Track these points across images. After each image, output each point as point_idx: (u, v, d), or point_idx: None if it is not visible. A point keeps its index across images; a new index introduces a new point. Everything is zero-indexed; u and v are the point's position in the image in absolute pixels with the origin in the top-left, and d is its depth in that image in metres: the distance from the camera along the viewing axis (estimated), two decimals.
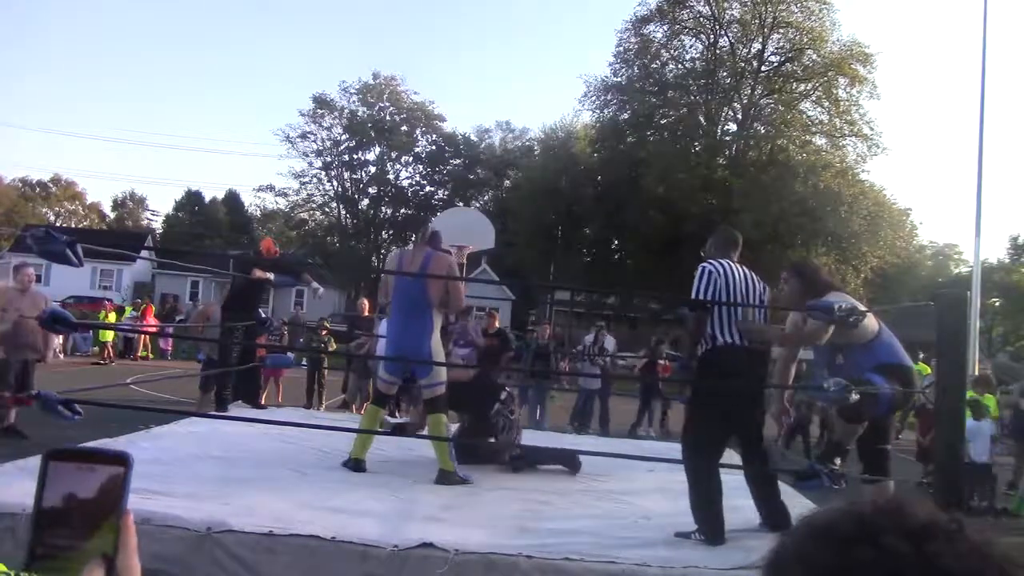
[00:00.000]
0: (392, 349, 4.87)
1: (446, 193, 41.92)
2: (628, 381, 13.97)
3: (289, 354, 10.89)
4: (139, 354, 18.70)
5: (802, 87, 30.32)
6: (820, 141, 30.70)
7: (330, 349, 11.53)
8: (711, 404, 3.84)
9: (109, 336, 17.32)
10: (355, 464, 4.60)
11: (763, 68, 30.46)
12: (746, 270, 3.93)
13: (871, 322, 3.87)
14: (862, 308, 3.71)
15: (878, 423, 3.85)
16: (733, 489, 4.86)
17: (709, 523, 3.59)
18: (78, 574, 0.61)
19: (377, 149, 40.95)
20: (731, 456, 6.11)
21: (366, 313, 11.50)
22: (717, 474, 3.75)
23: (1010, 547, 0.61)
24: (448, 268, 4.80)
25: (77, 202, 59.36)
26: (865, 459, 3.95)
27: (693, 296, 3.80)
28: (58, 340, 7.16)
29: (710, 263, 3.86)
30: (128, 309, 18.98)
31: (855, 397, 3.35)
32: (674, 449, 5.96)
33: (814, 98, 30.28)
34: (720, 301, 3.73)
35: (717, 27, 30.31)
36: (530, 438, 6.47)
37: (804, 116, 30.63)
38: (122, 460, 0.64)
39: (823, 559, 0.59)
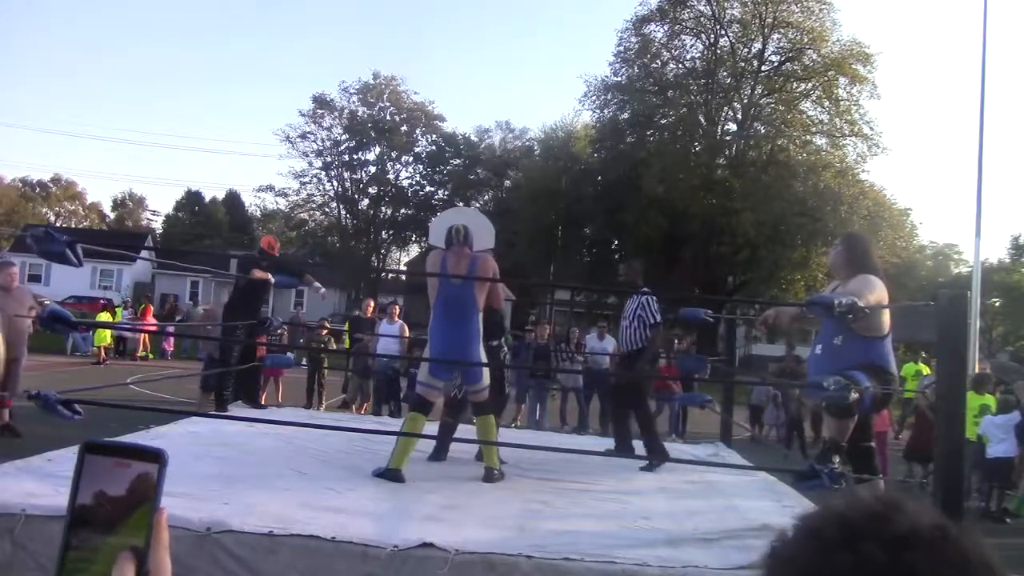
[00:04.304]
0: (439, 353, 4.73)
1: (446, 193, 41.86)
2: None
3: (289, 354, 10.89)
4: (139, 354, 18.66)
5: (802, 87, 30.28)
6: (820, 141, 30.64)
7: (330, 349, 11.52)
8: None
9: (106, 339, 17.27)
10: (393, 474, 4.35)
11: (763, 68, 30.42)
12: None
13: (886, 321, 3.87)
14: (860, 304, 3.66)
15: (860, 421, 3.87)
16: (733, 487, 4.88)
17: (659, 452, 5.53)
18: (110, 567, 0.62)
19: (377, 149, 40.92)
20: (733, 457, 6.13)
21: (369, 313, 11.49)
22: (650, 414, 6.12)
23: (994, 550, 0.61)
24: (493, 272, 4.85)
25: (77, 202, 59.46)
26: (851, 457, 3.96)
27: (652, 317, 5.90)
28: None
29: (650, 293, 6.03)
30: (119, 311, 18.76)
31: (855, 396, 3.34)
32: (675, 449, 5.98)
33: (814, 98, 30.23)
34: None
35: (717, 27, 30.29)
36: (530, 437, 6.47)
37: (804, 116, 30.57)
38: (157, 456, 0.65)
39: (805, 561, 0.60)
